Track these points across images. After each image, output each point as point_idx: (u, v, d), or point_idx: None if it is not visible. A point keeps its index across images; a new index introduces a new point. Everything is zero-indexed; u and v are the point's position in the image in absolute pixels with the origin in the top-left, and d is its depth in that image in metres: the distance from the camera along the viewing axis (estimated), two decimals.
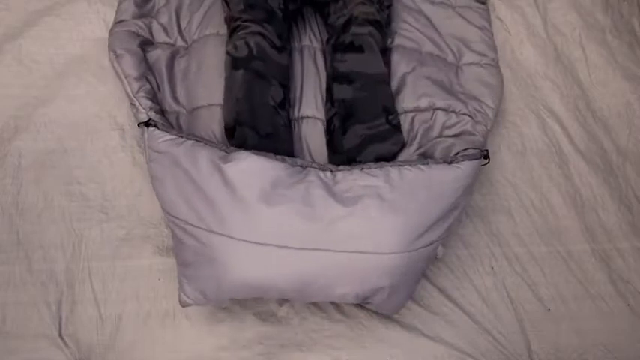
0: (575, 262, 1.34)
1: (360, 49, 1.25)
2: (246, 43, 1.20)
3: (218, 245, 1.01)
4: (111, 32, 1.31)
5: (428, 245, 1.06)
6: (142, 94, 1.20)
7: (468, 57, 1.41)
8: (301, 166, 1.10)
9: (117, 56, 1.24)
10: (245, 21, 1.24)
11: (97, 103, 1.35)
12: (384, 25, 1.34)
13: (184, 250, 1.06)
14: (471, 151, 1.15)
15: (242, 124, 1.16)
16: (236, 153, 1.07)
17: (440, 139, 1.23)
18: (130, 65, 1.23)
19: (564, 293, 1.31)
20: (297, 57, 1.38)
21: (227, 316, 1.20)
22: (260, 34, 1.22)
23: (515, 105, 1.49)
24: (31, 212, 1.25)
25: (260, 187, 1.02)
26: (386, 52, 1.32)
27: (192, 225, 1.03)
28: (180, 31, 1.40)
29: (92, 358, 1.16)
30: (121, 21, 1.33)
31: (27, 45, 1.37)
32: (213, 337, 1.19)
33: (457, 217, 1.12)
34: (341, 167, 1.12)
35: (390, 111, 1.24)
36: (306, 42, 1.41)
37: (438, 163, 1.10)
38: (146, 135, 1.12)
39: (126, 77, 1.22)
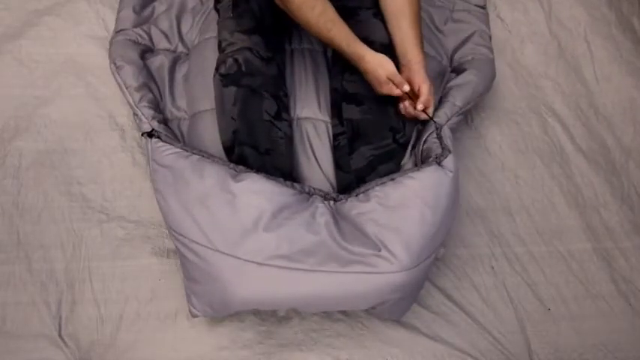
0: (576, 261, 1.34)
1: None
2: (235, 60, 1.20)
3: (223, 264, 1.02)
4: (111, 42, 1.31)
5: (432, 255, 1.07)
6: (144, 103, 1.21)
7: (463, 52, 1.40)
8: (308, 193, 1.13)
9: (117, 67, 1.24)
10: (232, 34, 1.23)
11: (97, 103, 1.35)
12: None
13: (189, 266, 1.06)
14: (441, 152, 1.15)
15: (241, 143, 1.16)
16: (246, 174, 1.08)
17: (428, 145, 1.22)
18: (130, 76, 1.23)
19: (564, 293, 1.30)
20: (298, 59, 1.38)
21: (227, 316, 1.20)
22: (248, 48, 1.21)
23: (517, 104, 1.48)
24: (31, 212, 1.25)
25: (268, 210, 1.03)
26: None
27: (196, 242, 1.03)
28: (181, 37, 1.40)
29: (92, 358, 1.16)
30: (121, 30, 1.33)
31: (27, 45, 1.38)
32: (213, 337, 1.19)
33: (454, 218, 1.12)
34: (341, 196, 1.14)
35: (397, 130, 1.24)
36: (306, 45, 1.41)
37: (426, 166, 1.10)
38: (150, 146, 1.12)
39: (127, 88, 1.22)
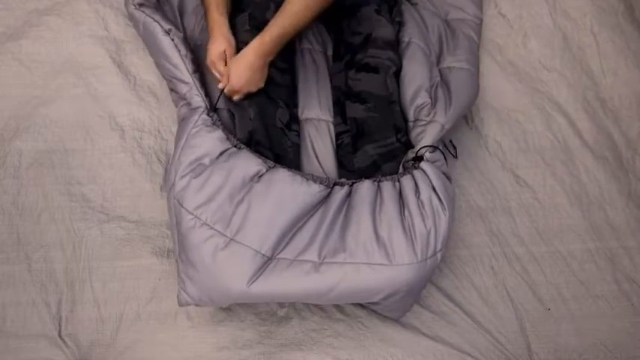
0: (576, 261, 1.33)
1: (375, 70, 1.25)
2: None
3: (235, 255, 1.03)
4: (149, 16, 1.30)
5: (437, 252, 1.08)
6: (197, 75, 1.22)
7: (449, 61, 1.38)
8: (331, 186, 1.14)
9: (172, 39, 1.24)
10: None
11: (97, 103, 1.34)
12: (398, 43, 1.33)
13: (197, 252, 1.06)
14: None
15: (258, 143, 1.18)
16: (274, 171, 1.10)
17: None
18: (183, 46, 1.24)
19: (564, 293, 1.30)
20: (297, 59, 1.39)
21: (227, 316, 1.21)
22: None
23: (519, 102, 1.46)
24: (31, 212, 1.25)
25: (291, 210, 1.06)
26: (401, 70, 1.31)
27: (214, 229, 1.04)
28: (185, 35, 1.39)
29: (92, 358, 1.16)
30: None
31: (27, 45, 1.37)
32: (213, 337, 1.19)
33: (453, 218, 1.14)
34: (351, 181, 1.16)
35: (399, 129, 1.24)
36: (306, 45, 1.41)
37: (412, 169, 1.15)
38: (196, 117, 1.15)
39: (184, 57, 1.23)
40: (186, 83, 1.21)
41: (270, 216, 1.05)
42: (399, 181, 1.13)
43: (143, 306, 1.21)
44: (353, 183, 1.15)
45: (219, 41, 1.21)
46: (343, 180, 1.16)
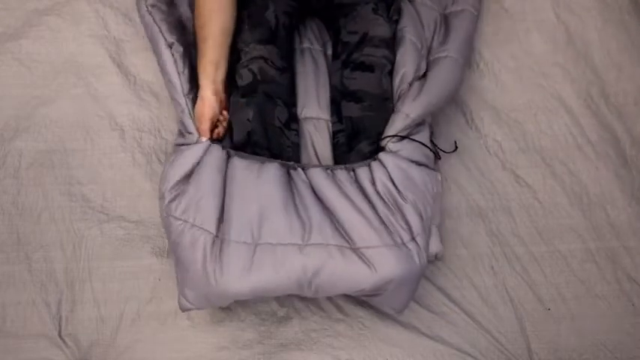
0: (577, 261, 1.33)
1: (370, 69, 1.25)
2: (250, 70, 1.21)
3: (223, 251, 1.04)
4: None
5: (416, 236, 1.10)
6: (191, 96, 1.22)
7: (436, 52, 1.36)
8: (282, 165, 1.15)
9: (172, 54, 1.24)
10: (248, 45, 1.24)
11: (97, 103, 1.34)
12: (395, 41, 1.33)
13: (189, 255, 1.06)
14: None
15: (255, 144, 1.18)
16: (232, 162, 1.13)
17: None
18: (182, 62, 1.24)
19: (564, 293, 1.30)
20: (298, 59, 1.38)
21: (227, 316, 1.21)
22: (262, 57, 1.23)
23: (520, 99, 1.45)
24: (31, 212, 1.25)
25: (252, 197, 1.08)
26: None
27: (202, 228, 1.05)
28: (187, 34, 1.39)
29: (92, 358, 1.16)
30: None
31: (27, 45, 1.37)
32: (213, 337, 1.19)
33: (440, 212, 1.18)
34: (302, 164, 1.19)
35: None
36: (306, 44, 1.41)
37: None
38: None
39: (180, 74, 1.23)
40: (179, 104, 1.22)
41: (239, 206, 1.07)
42: (353, 170, 1.15)
43: (143, 306, 1.21)
44: (305, 167, 1.17)
45: (207, 104, 1.18)
46: (294, 163, 1.18)
